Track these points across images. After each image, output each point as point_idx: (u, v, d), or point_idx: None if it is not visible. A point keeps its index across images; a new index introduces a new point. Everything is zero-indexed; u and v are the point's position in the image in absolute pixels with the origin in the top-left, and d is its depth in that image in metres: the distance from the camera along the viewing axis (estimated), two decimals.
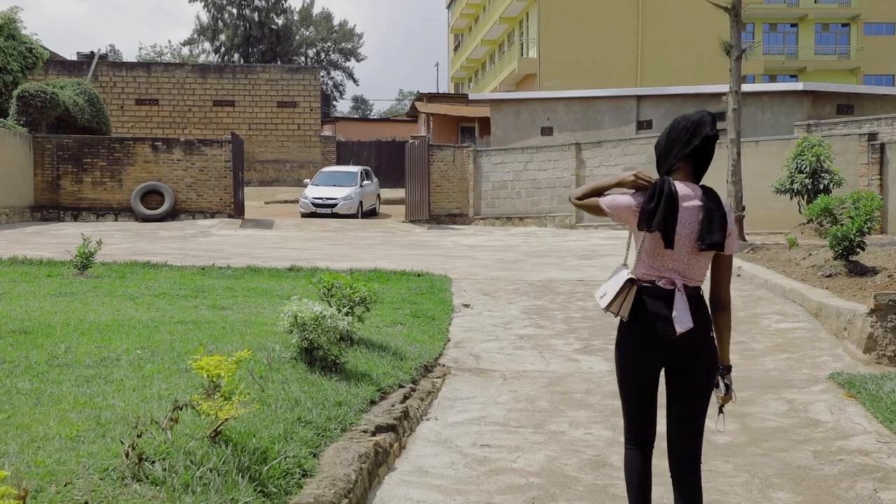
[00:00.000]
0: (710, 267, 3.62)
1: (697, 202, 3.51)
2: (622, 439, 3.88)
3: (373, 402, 5.91)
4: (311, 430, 4.84)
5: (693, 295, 3.55)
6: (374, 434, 5.29)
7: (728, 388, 3.74)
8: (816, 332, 9.13)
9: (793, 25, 65.06)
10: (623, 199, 3.57)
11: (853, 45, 64.05)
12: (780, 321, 9.69)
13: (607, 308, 3.61)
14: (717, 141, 3.63)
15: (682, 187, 3.53)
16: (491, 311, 10.97)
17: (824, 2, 63.89)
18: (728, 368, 3.73)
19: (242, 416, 4.36)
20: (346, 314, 6.80)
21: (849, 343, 8.40)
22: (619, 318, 3.64)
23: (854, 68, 61.94)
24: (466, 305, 11.21)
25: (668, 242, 3.46)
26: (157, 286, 11.18)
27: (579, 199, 3.71)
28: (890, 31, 64.91)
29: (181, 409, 4.33)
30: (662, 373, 3.71)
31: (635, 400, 3.73)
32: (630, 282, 3.54)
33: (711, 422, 3.80)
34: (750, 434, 5.89)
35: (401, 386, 6.58)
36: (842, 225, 11.66)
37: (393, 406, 5.94)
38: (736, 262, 13.77)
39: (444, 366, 7.94)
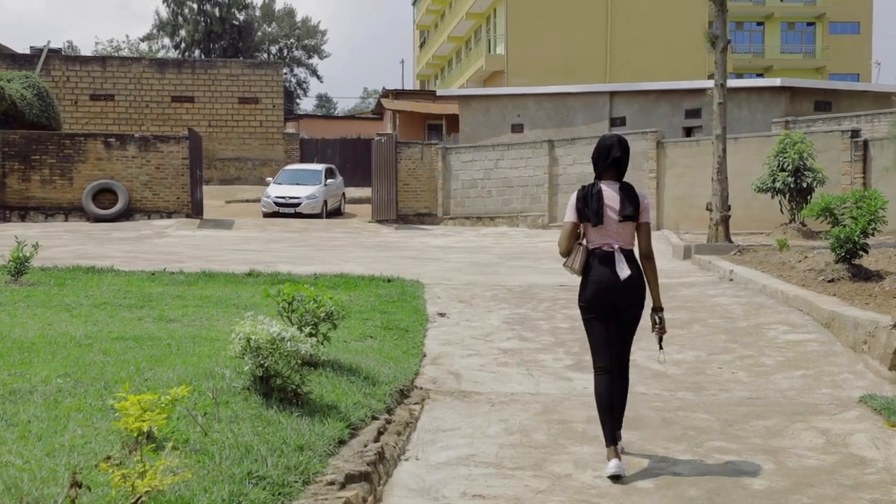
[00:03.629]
0: (636, 235, 5.14)
1: (617, 194, 5.09)
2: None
3: (341, 442, 4.93)
4: (264, 490, 3.85)
5: (627, 254, 5.10)
6: (343, 486, 4.31)
7: (661, 320, 5.24)
8: (830, 344, 8.28)
9: (759, 24, 64.95)
10: (570, 214, 5.16)
11: (819, 44, 64.08)
12: (787, 332, 8.83)
13: (565, 263, 5.17)
14: (629, 153, 5.20)
15: (606, 186, 5.11)
16: (469, 320, 10.02)
17: (790, 1, 63.84)
18: (660, 308, 5.26)
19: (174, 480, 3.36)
20: (310, 334, 5.80)
21: (870, 358, 7.55)
22: (578, 277, 5.18)
23: (820, 67, 61.96)
24: (442, 314, 10.25)
25: (596, 222, 5.04)
26: (98, 294, 10.09)
27: (564, 251, 5.20)
28: (855, 30, 65.01)
29: (93, 469, 3.32)
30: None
31: (599, 333, 5.17)
32: (579, 244, 5.14)
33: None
34: (789, 476, 4.98)
35: (374, 418, 5.60)
36: (844, 226, 10.87)
37: (366, 446, 4.95)
38: (727, 265, 12.96)
39: (421, 388, 6.96)
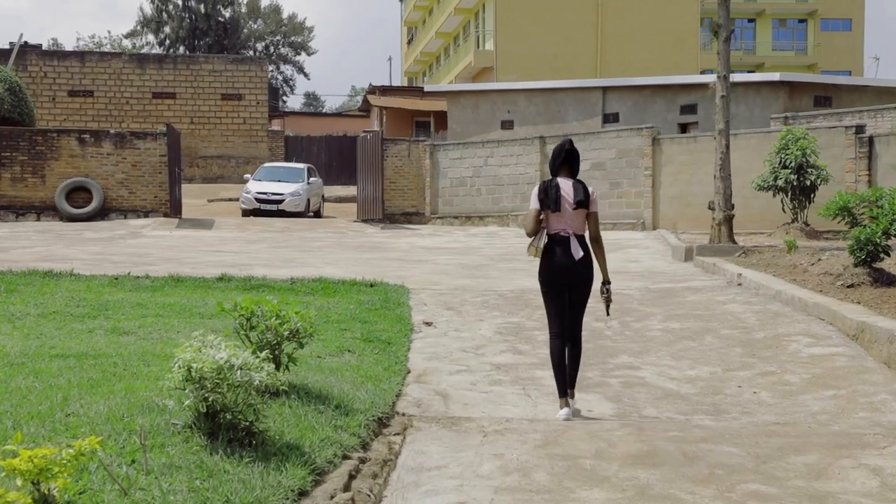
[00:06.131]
0: (586, 222, 6.23)
1: (571, 187, 6.17)
2: None
3: (302, 494, 4.03)
4: None
5: (579, 239, 6.18)
6: None
7: (608, 291, 6.33)
8: (860, 359, 7.44)
9: (750, 21, 64.41)
10: (534, 202, 6.21)
11: (810, 41, 63.59)
12: (810, 345, 7.98)
13: (531, 244, 6.23)
14: (579, 155, 6.43)
15: (562, 181, 6.22)
16: (458, 330, 9.14)
17: None
18: (608, 282, 6.34)
19: None
20: (269, 357, 4.89)
21: None
22: (538, 259, 6.29)
23: (811, 64, 61.40)
24: (428, 323, 9.37)
25: (555, 209, 6.09)
26: (50, 302, 9.17)
27: (531, 233, 6.25)
28: (847, 27, 64.49)
29: None
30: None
31: (555, 306, 6.27)
32: (542, 228, 6.17)
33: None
34: None
35: (346, 456, 4.71)
36: (864, 227, 10.04)
37: (332, 498, 4.07)
38: (733, 268, 12.12)
39: (403, 414, 6.07)
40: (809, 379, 7.08)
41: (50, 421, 4.40)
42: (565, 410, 6.10)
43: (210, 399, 4.14)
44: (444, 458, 5.20)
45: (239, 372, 4.16)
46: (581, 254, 6.09)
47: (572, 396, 6.31)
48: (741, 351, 8.00)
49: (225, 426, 4.25)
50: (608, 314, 6.44)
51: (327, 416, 5.11)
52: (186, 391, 4.22)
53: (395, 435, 5.55)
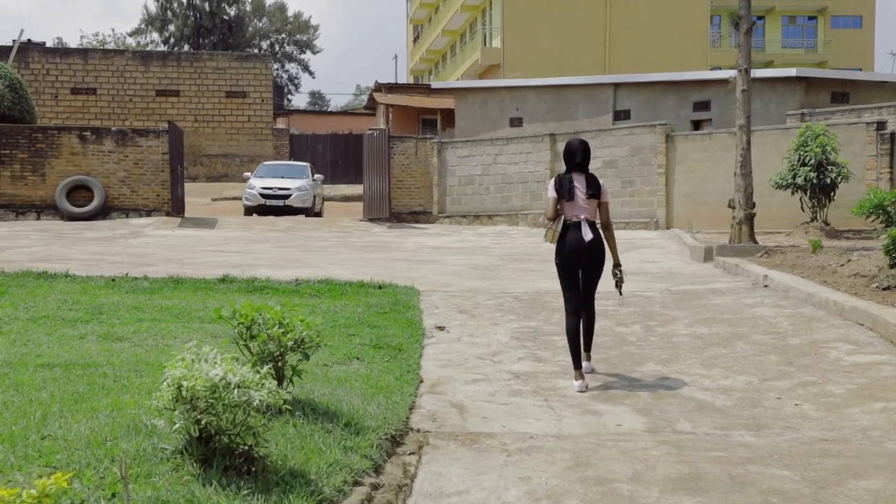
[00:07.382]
0: (598, 211, 6.94)
1: (584, 180, 6.89)
2: None
3: None
4: None
5: (591, 224, 6.82)
6: None
7: (620, 273, 7.01)
8: None
9: (759, 18, 63.66)
10: (551, 191, 6.89)
11: (820, 39, 62.94)
12: (852, 352, 7.46)
13: (549, 228, 6.88)
14: (590, 152, 7.07)
15: (576, 175, 6.92)
16: (472, 335, 8.63)
17: None
18: (619, 265, 7.04)
19: None
20: (272, 372, 4.38)
21: None
22: (553, 245, 6.92)
23: (821, 62, 60.68)
24: (441, 328, 8.86)
25: (569, 198, 6.78)
26: (42, 306, 8.69)
27: (550, 218, 6.92)
28: (857, 24, 63.79)
29: None
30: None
31: (571, 284, 6.87)
32: (560, 216, 6.83)
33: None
34: None
35: (356, 482, 4.21)
36: None
37: None
38: (758, 269, 11.60)
39: (418, 430, 5.56)
40: (854, 390, 6.56)
41: (22, 445, 3.90)
42: (579, 382, 6.66)
43: (203, 421, 3.64)
44: (465, 482, 4.69)
45: (236, 391, 3.66)
46: (591, 236, 6.70)
47: (588, 359, 7.03)
48: (777, 359, 7.48)
49: (220, 451, 3.74)
50: (621, 294, 7.14)
51: (336, 436, 4.61)
52: (177, 412, 3.72)
53: (409, 455, 5.05)
